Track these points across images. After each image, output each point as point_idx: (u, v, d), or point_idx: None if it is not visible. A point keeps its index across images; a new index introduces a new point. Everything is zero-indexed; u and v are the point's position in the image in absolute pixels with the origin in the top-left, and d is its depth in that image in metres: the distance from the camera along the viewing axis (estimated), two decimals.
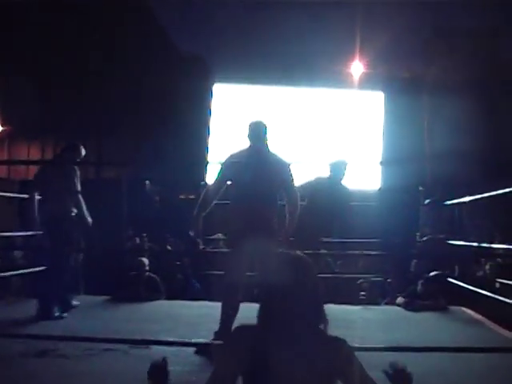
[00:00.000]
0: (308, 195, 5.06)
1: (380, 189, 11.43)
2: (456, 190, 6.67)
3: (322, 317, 1.70)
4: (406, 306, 5.65)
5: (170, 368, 1.71)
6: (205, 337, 3.92)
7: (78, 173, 5.24)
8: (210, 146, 12.11)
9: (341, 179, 5.35)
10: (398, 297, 5.94)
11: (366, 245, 6.46)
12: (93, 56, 11.57)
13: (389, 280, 6.74)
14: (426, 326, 4.91)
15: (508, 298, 4.52)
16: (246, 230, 3.82)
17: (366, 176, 11.51)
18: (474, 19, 11.12)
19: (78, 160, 5.41)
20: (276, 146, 4.13)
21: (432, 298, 5.70)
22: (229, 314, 3.83)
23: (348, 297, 6.03)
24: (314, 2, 11.09)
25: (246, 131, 4.08)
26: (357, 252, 6.49)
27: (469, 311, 5.49)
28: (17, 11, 11.30)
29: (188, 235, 5.08)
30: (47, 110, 12.33)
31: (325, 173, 5.36)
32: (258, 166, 3.99)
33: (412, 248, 7.28)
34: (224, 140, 11.12)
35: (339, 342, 1.71)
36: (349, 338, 1.73)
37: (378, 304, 6.36)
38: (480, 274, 6.41)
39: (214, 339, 3.75)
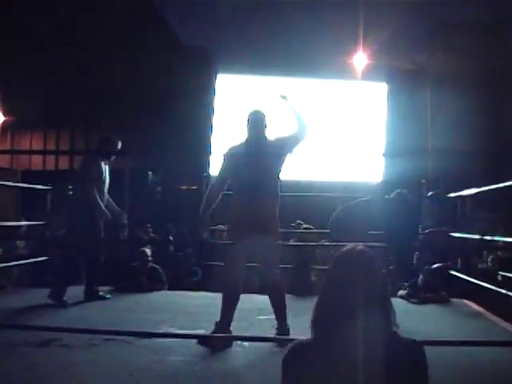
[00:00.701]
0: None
1: (382, 181, 11.39)
2: (459, 182, 6.65)
3: (392, 316, 1.54)
4: (408, 299, 5.64)
5: (172, 358, 1.71)
6: (206, 327, 3.94)
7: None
8: (212, 136, 12.07)
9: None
10: (400, 289, 5.95)
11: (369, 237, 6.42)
12: (97, 46, 11.53)
13: (391, 267, 6.73)
14: (428, 319, 4.89)
15: (510, 291, 4.52)
16: (247, 223, 3.83)
17: (368, 168, 11.51)
18: (478, 11, 11.05)
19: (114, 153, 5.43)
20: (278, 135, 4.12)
21: (434, 290, 5.69)
22: (229, 305, 3.85)
23: None
24: None
25: (245, 121, 4.06)
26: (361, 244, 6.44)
27: (471, 304, 5.48)
28: None
29: (190, 226, 5.08)
30: (51, 99, 12.32)
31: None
32: (257, 158, 3.97)
33: (414, 240, 7.26)
34: (226, 130, 11.08)
35: (418, 347, 1.53)
36: None
37: None
38: (482, 266, 6.41)
39: (214, 330, 3.78)
